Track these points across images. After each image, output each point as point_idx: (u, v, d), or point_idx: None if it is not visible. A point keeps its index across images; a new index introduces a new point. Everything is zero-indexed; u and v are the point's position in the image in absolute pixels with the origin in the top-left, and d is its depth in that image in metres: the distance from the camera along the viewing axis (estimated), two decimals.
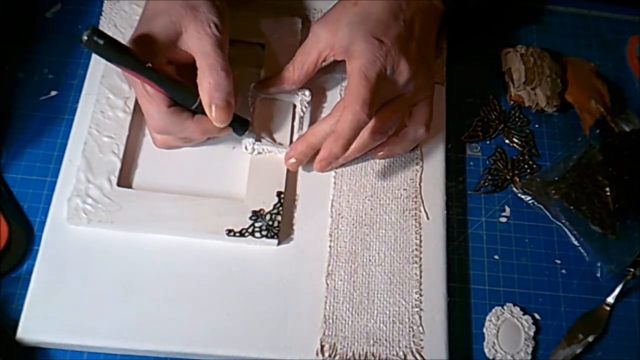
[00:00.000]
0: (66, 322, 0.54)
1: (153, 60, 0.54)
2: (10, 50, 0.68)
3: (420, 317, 0.58)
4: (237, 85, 0.58)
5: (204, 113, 0.56)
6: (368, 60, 0.55)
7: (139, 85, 0.55)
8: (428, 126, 0.61)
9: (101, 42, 0.51)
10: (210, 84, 0.55)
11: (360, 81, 0.54)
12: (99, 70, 0.64)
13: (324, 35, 0.58)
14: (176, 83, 0.55)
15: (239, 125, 0.60)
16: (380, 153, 0.62)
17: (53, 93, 0.66)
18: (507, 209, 0.67)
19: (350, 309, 0.58)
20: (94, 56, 0.65)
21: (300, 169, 0.63)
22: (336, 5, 0.60)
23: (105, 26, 0.67)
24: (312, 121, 0.64)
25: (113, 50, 0.52)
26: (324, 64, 0.61)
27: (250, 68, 0.66)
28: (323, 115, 0.65)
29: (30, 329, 0.54)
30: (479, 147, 0.70)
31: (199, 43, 0.55)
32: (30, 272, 0.56)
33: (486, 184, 0.67)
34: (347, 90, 0.55)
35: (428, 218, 0.62)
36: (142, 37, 0.55)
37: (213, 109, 0.55)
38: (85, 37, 0.50)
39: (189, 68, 0.57)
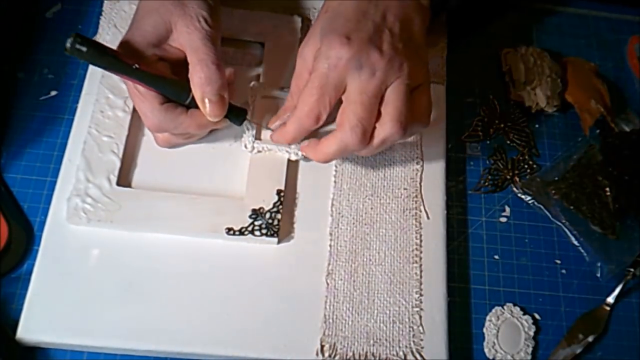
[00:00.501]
0: (66, 322, 0.55)
1: (144, 59, 0.54)
2: (10, 50, 0.68)
3: (420, 317, 0.58)
4: (236, 81, 0.58)
5: (198, 107, 0.56)
6: (329, 67, 0.54)
7: (131, 85, 0.56)
8: (427, 116, 0.58)
9: (84, 49, 0.51)
10: (201, 79, 0.54)
11: (313, 88, 0.54)
12: (99, 70, 0.63)
13: (308, 52, 0.57)
14: (166, 80, 0.55)
15: (236, 115, 0.59)
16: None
17: (53, 93, 0.66)
18: (507, 208, 0.67)
19: (351, 309, 0.58)
20: None
21: (301, 166, 0.63)
22: (315, 20, 0.59)
23: (105, 26, 0.67)
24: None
25: (98, 56, 0.52)
26: None
27: (250, 67, 0.67)
28: None
29: (30, 328, 0.54)
30: (479, 147, 0.69)
31: (188, 38, 0.55)
32: (30, 272, 0.56)
33: (486, 183, 0.67)
34: (301, 95, 0.55)
35: (428, 218, 0.62)
36: (132, 38, 0.55)
37: (206, 102, 0.55)
38: (68, 45, 0.50)
39: (182, 64, 0.57)
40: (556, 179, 0.67)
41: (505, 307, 0.62)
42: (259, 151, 0.61)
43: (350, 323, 0.57)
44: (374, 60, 0.54)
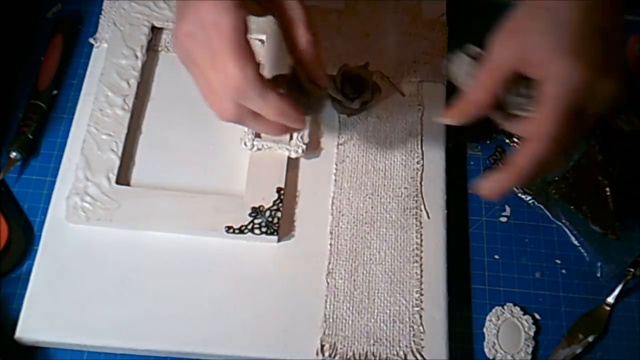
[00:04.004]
0: (65, 321, 0.54)
1: None
2: (10, 50, 0.68)
3: (420, 316, 0.58)
4: None
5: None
6: (566, 90, 0.46)
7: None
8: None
9: None
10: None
11: (553, 114, 0.46)
12: (98, 70, 0.64)
13: (510, 46, 0.49)
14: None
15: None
16: None
17: (53, 93, 0.66)
18: (508, 208, 0.67)
19: (351, 308, 0.58)
20: (94, 55, 0.66)
21: (301, 164, 0.63)
22: (518, 11, 0.50)
23: (105, 25, 0.67)
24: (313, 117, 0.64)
25: None
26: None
27: None
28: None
29: (29, 327, 0.54)
30: (479, 147, 0.69)
31: None
32: (30, 272, 0.56)
33: None
34: (534, 120, 0.47)
35: (429, 217, 0.62)
36: None
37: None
38: None
39: None
40: (556, 178, 0.67)
41: (505, 307, 0.62)
42: (258, 149, 0.61)
43: (350, 322, 0.57)
44: (603, 88, 0.47)
